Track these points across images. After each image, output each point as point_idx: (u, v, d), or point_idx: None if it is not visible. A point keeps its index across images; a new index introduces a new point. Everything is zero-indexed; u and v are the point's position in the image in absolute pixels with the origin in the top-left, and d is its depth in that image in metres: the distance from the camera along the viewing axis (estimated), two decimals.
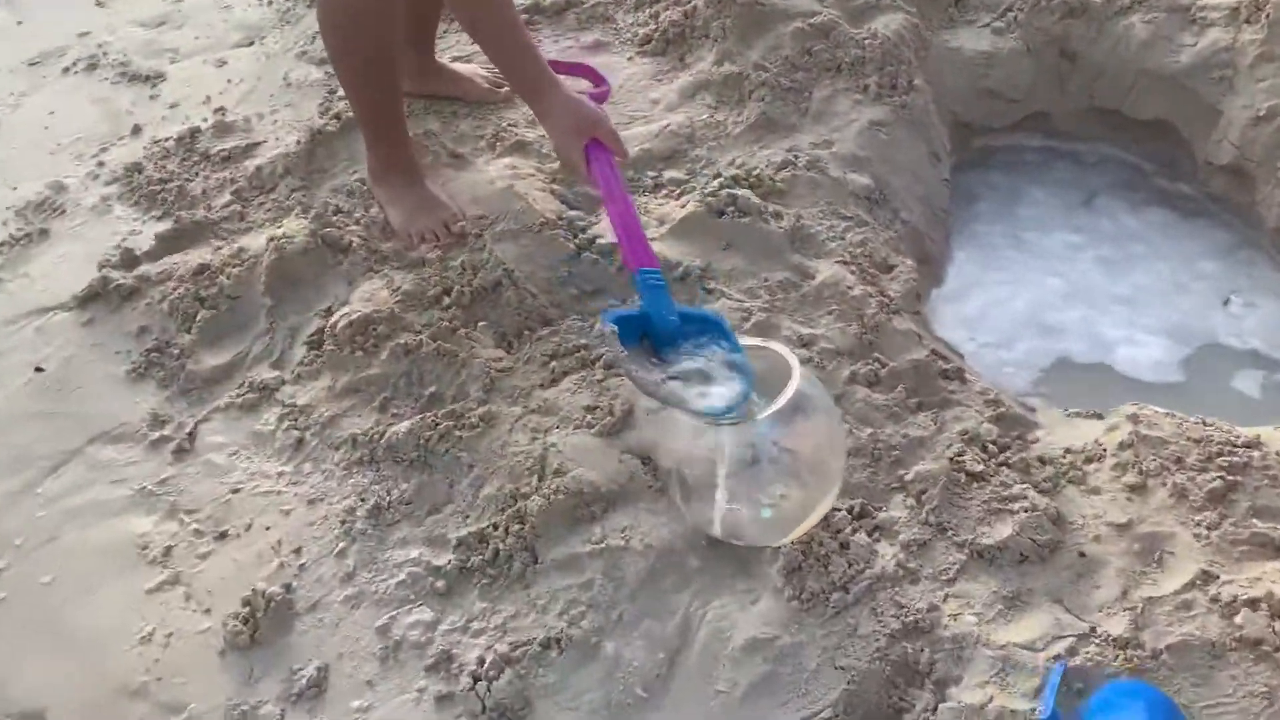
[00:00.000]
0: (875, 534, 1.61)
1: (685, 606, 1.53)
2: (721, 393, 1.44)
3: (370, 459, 1.78)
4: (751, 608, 1.52)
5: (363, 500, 1.73)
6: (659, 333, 1.52)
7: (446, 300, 2.00)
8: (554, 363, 1.90)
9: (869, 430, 1.74)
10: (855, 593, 1.52)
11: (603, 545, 1.59)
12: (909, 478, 1.67)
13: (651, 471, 1.70)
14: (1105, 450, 1.69)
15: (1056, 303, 2.17)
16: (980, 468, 1.65)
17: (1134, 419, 1.71)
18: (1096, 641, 1.43)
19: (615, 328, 1.45)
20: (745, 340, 1.54)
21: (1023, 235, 2.38)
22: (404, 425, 1.80)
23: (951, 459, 1.67)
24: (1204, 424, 1.70)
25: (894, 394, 1.79)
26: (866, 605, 1.51)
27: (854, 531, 1.59)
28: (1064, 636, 1.45)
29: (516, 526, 1.63)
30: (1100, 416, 1.84)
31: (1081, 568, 1.53)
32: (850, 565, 1.54)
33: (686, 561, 1.59)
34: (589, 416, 1.77)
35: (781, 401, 1.44)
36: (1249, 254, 2.35)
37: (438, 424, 1.79)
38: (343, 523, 1.71)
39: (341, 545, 1.68)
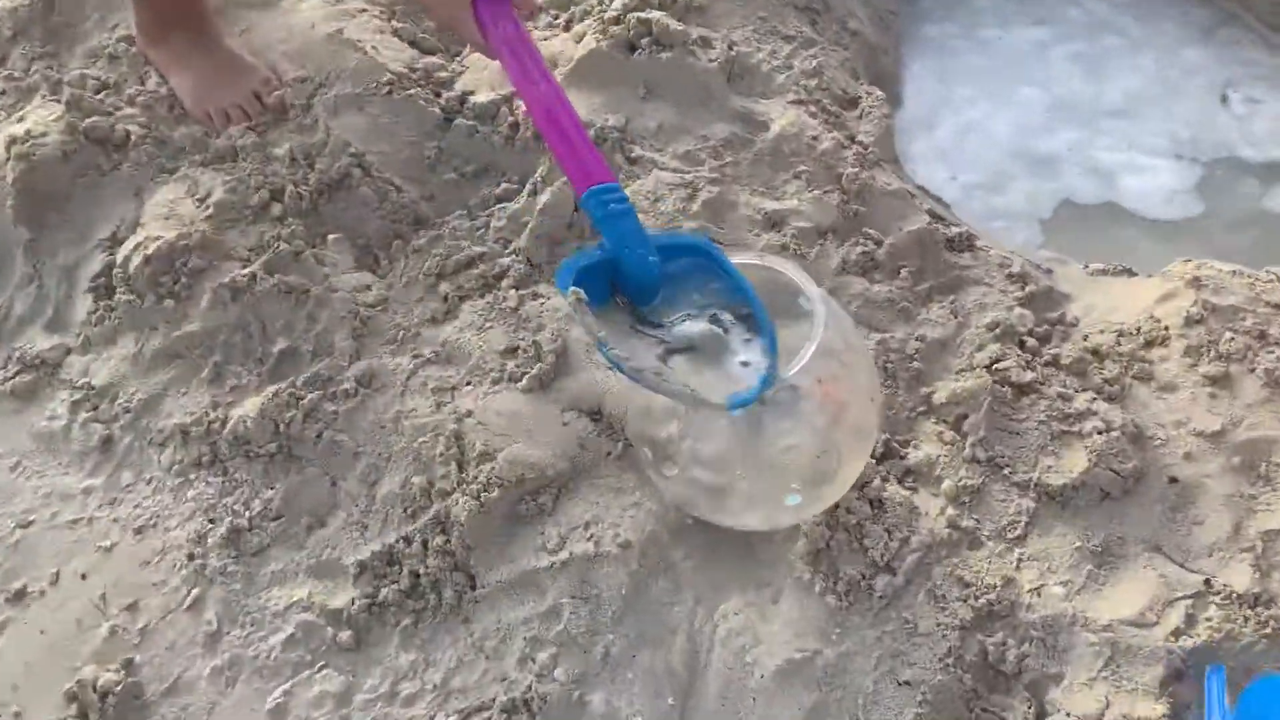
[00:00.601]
0: (910, 481, 1.24)
1: (687, 622, 1.15)
2: (741, 366, 1.01)
3: (212, 458, 1.29)
4: (773, 611, 1.15)
5: (212, 521, 1.25)
6: (634, 281, 1.06)
7: (278, 208, 1.47)
8: (443, 284, 1.41)
9: (876, 336, 1.34)
10: (904, 571, 1.15)
11: (565, 555, 1.17)
12: (939, 398, 1.29)
13: (606, 430, 1.27)
14: (1168, 330, 1.34)
15: (1041, 122, 1.78)
16: (1029, 376, 1.28)
17: (1196, 283, 1.36)
18: (1216, 601, 1.12)
19: (582, 293, 0.98)
20: (738, 258, 1.10)
21: (981, 34, 1.95)
22: (251, 404, 1.30)
23: (990, 368, 1.29)
24: None
25: (897, 281, 1.39)
26: (921, 587, 1.15)
27: (884, 482, 1.21)
28: (1177, 599, 1.13)
29: (439, 539, 1.19)
30: (1131, 272, 1.49)
31: (1175, 498, 1.20)
32: (890, 533, 1.17)
33: (673, 556, 1.19)
34: (510, 364, 1.31)
35: (808, 355, 1.01)
36: (1231, 33, 1.99)
37: (299, 397, 1.30)
38: (190, 557, 1.23)
39: (195, 592, 1.21)
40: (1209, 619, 1.11)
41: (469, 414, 1.26)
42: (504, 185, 1.53)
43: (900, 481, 1.23)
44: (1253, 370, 1.28)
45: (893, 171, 1.55)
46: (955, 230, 1.46)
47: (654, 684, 1.11)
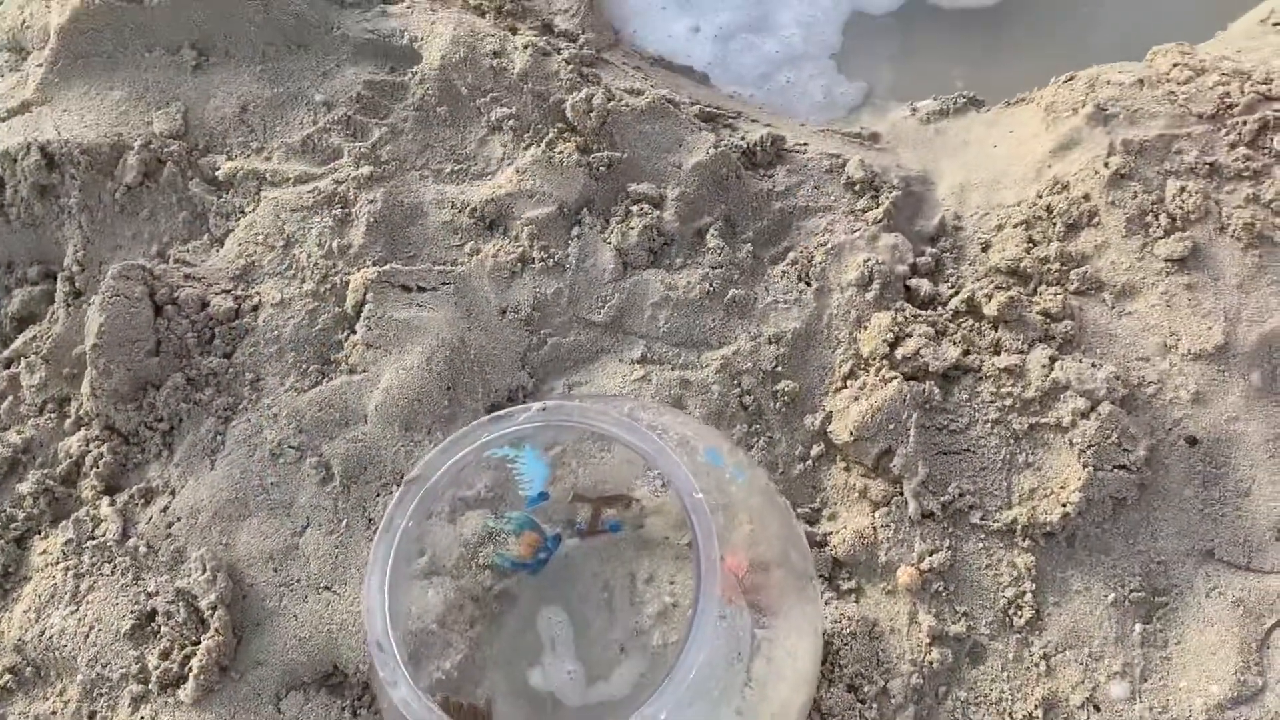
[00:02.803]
0: (849, 582, 0.80)
1: None
2: None
3: None
4: None
5: None
6: None
7: None
8: None
9: (713, 357, 0.85)
10: None
11: None
12: (840, 434, 0.83)
13: (359, 698, 0.74)
14: (1089, 199, 0.92)
15: None
16: (951, 351, 0.84)
17: (1099, 116, 0.94)
18: None
19: None
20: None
21: None
22: None
23: (891, 358, 0.84)
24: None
25: (706, 255, 0.89)
26: None
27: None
28: (1271, 629, 0.77)
29: None
30: (977, 102, 1.06)
31: (1204, 467, 0.82)
32: (857, 691, 0.74)
33: None
34: (151, 657, 0.74)
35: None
36: None
37: None
38: None
39: None
40: None
41: None
42: (16, 291, 0.89)
43: (835, 588, 0.79)
44: (1224, 229, 0.89)
45: (619, 57, 1.02)
46: (750, 135, 0.96)
47: None
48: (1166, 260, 0.88)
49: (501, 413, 0.59)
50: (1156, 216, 0.90)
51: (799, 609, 0.66)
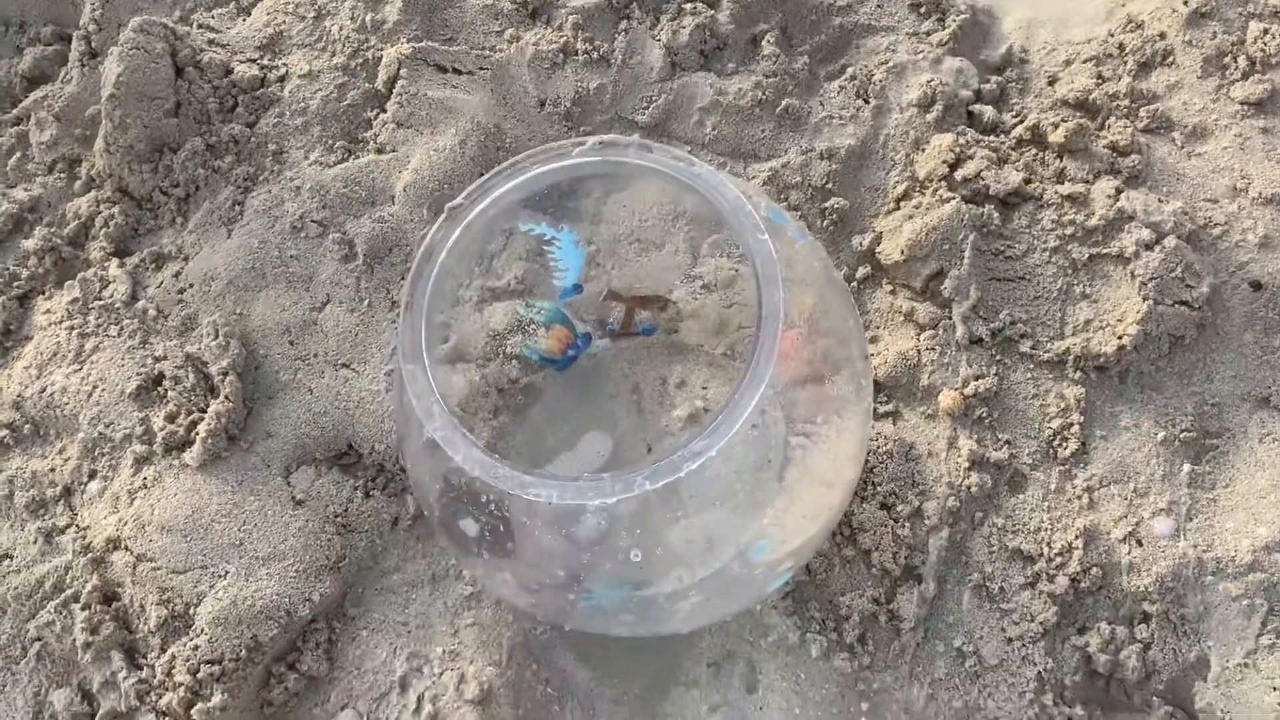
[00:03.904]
0: (888, 404, 0.76)
1: None
2: None
3: None
4: (756, 707, 0.68)
5: None
6: None
7: None
8: None
9: (760, 169, 0.81)
10: (933, 569, 0.71)
11: None
12: (890, 253, 0.79)
13: (376, 477, 0.71)
14: (1164, 37, 0.87)
15: None
16: (1013, 177, 0.80)
17: None
18: None
19: None
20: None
21: None
22: None
23: (951, 178, 0.80)
24: None
25: (760, 63, 0.84)
26: (965, 586, 0.71)
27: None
28: None
29: None
30: None
31: (1266, 313, 0.78)
32: (891, 510, 0.71)
33: (565, 665, 0.69)
34: (157, 418, 0.70)
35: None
36: None
37: None
38: None
39: None
40: None
41: (114, 543, 0.67)
42: (28, 50, 0.84)
43: (883, 419, 0.76)
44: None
45: None
46: None
47: None
48: (1243, 103, 0.83)
49: (553, 145, 0.55)
50: (1235, 58, 0.85)
51: (850, 403, 0.63)
